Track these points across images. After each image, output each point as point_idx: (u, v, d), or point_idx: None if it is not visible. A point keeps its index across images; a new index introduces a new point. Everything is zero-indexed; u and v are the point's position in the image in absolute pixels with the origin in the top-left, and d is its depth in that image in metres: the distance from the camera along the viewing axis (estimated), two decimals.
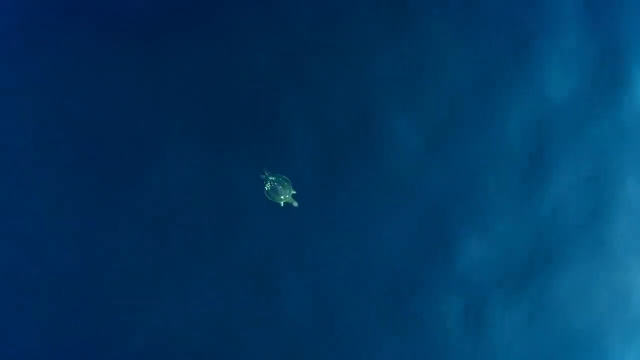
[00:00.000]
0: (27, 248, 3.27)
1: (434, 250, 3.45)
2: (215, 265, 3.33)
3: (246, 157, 3.32)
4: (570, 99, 3.49)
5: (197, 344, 3.33)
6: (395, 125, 3.41)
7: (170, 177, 3.31)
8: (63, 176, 3.29)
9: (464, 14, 3.45)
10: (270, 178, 3.27)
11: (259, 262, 3.35)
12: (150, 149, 3.30)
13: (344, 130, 3.37)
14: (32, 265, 3.27)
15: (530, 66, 3.47)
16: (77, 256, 3.28)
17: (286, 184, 3.28)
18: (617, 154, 3.52)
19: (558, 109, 3.49)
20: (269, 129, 3.34)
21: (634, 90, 3.49)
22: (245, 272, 3.35)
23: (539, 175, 3.49)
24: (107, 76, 3.31)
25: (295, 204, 3.29)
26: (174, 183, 3.31)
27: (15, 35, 3.28)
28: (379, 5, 3.42)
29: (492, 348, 3.46)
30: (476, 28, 3.46)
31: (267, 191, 3.28)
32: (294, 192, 3.29)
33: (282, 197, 3.28)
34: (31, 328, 3.27)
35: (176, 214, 3.31)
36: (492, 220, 3.46)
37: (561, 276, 3.49)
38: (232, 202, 3.33)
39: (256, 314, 3.36)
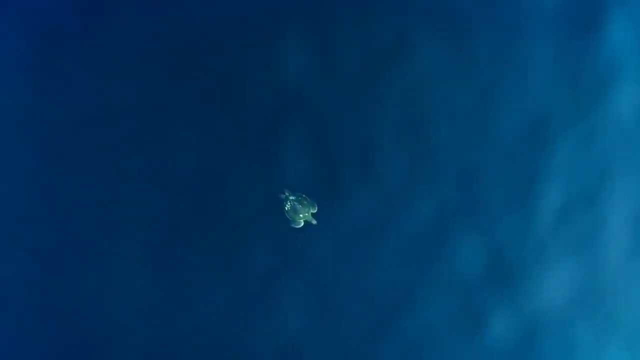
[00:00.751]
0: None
1: (433, 257, 3.52)
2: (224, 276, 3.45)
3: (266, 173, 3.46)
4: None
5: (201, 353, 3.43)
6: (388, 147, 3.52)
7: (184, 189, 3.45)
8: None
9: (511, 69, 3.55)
10: (290, 198, 3.35)
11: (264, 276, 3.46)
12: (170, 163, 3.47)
13: (339, 151, 3.50)
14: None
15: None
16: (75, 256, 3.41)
17: (305, 202, 3.35)
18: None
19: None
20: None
21: None
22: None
23: (535, 180, 3.55)
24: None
25: (314, 221, 3.35)
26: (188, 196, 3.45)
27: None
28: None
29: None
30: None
31: (287, 211, 3.35)
32: (314, 211, 3.36)
33: (301, 215, 3.34)
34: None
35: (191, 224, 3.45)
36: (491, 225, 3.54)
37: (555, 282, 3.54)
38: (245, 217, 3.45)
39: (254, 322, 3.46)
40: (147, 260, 3.43)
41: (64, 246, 3.43)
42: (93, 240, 3.43)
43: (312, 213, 3.35)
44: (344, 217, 3.46)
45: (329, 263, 3.46)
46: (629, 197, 3.53)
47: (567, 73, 3.53)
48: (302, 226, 3.37)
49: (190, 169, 3.44)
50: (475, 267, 3.51)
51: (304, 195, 3.35)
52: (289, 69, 3.48)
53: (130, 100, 3.47)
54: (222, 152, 3.45)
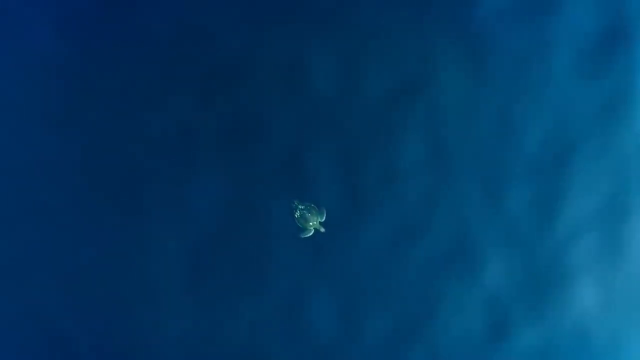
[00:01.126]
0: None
1: (458, 269, 3.58)
2: (246, 288, 3.61)
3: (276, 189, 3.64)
4: None
5: None
6: (411, 153, 3.62)
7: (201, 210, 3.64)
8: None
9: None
10: (300, 207, 3.56)
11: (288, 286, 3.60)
12: (182, 178, 3.64)
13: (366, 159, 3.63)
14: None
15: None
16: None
17: (314, 211, 3.54)
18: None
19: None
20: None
21: None
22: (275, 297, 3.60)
23: (559, 195, 3.57)
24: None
25: (323, 229, 3.53)
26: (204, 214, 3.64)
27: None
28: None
29: None
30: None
31: (297, 219, 3.56)
32: (322, 220, 3.55)
33: (310, 223, 3.53)
34: None
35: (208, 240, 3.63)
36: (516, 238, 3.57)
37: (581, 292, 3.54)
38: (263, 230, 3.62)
39: (285, 336, 3.58)
40: (180, 279, 3.59)
41: (96, 275, 3.59)
42: (127, 265, 3.59)
43: (320, 221, 3.54)
44: (372, 232, 3.58)
45: (356, 277, 3.58)
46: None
47: (589, 91, 3.57)
48: (312, 234, 3.55)
49: (222, 190, 3.61)
50: (500, 279, 3.55)
51: (312, 205, 3.55)
52: (316, 94, 3.63)
53: (155, 122, 3.63)
54: (249, 173, 3.61)
